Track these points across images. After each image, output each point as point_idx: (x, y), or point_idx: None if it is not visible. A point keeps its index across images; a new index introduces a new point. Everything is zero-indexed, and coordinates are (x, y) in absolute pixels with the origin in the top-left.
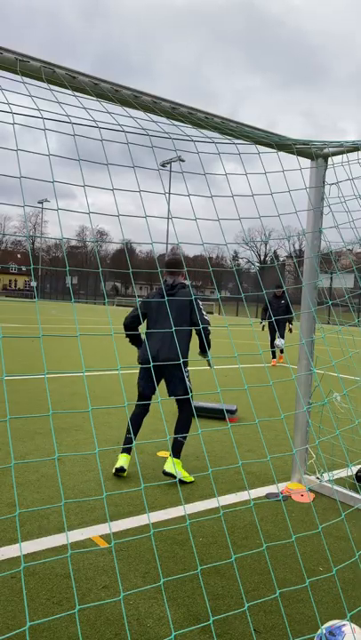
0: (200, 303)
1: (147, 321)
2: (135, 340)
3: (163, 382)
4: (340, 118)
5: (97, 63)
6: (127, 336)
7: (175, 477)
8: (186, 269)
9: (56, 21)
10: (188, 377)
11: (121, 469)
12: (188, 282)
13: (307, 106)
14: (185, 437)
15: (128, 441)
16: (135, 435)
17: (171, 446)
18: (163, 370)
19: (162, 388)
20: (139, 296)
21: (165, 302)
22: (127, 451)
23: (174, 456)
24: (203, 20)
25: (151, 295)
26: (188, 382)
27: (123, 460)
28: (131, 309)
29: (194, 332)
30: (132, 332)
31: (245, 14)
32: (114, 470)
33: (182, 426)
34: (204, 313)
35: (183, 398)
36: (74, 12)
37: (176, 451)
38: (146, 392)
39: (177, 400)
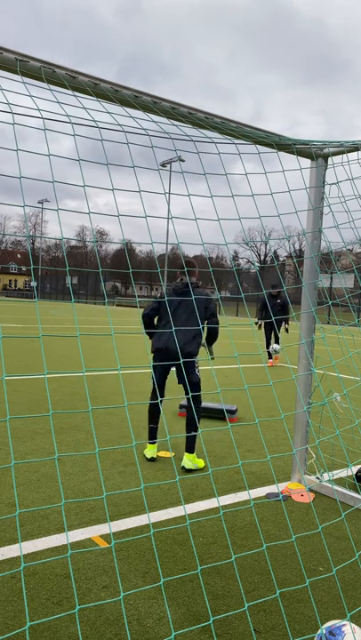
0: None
1: None
2: None
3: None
4: (354, 116)
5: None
6: None
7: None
8: (187, 269)
9: (89, 19)
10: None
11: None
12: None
13: (325, 103)
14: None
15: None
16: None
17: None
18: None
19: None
20: (151, 296)
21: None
22: None
23: None
24: (225, 15)
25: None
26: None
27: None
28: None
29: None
30: None
31: (268, 10)
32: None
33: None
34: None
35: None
36: (109, 10)
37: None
38: None
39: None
